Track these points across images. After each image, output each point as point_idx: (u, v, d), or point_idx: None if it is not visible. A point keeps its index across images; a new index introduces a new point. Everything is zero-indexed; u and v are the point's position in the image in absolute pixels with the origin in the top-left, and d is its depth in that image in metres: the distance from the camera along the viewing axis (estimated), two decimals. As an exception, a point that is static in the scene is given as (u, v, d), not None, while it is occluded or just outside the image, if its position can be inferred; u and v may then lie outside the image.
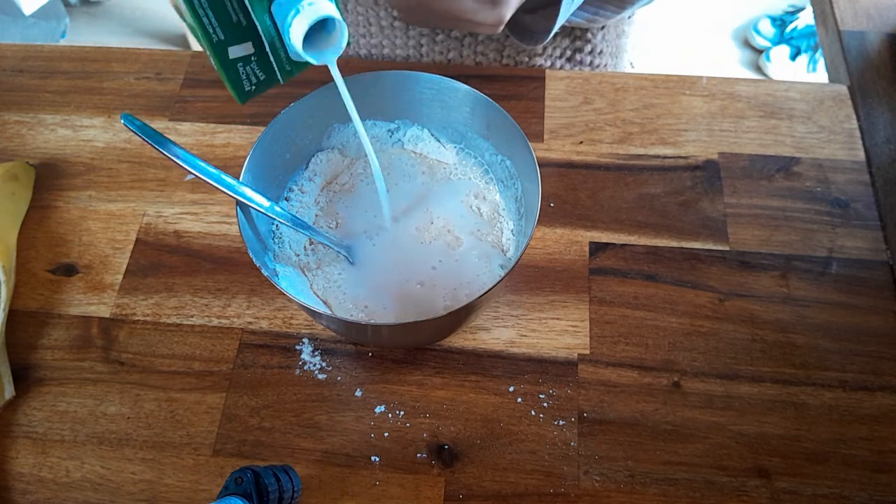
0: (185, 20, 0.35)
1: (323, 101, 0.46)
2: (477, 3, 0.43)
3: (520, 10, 0.53)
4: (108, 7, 1.90)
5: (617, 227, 0.52)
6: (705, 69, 1.52)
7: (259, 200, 0.41)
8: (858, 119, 0.57)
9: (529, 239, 0.40)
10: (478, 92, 0.45)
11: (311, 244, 0.47)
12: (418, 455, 0.44)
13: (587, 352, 0.47)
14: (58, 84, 0.61)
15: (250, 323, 0.48)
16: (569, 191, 0.54)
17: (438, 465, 0.43)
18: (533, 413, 0.45)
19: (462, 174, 0.50)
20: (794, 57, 1.66)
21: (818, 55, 1.65)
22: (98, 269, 0.51)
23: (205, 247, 0.52)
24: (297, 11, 0.34)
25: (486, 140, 0.48)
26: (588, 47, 0.66)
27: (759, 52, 1.74)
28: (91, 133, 0.58)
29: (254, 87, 0.38)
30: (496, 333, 0.48)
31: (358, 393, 0.46)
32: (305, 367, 0.47)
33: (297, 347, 0.47)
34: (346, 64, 0.63)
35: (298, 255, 0.46)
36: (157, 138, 0.37)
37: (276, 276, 0.44)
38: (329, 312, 0.43)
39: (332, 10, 0.35)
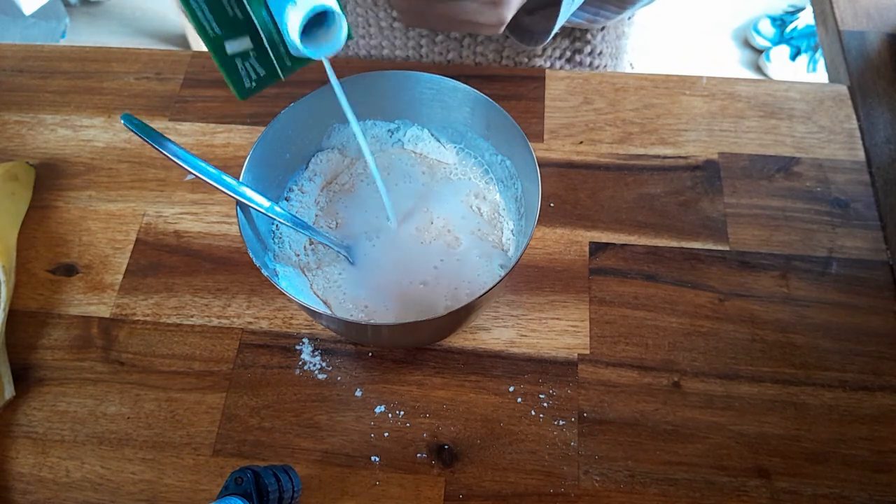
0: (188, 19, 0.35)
1: (323, 101, 0.46)
2: (478, 4, 0.43)
3: (520, 11, 0.53)
4: (108, 7, 1.90)
5: (617, 227, 0.52)
6: (705, 69, 1.52)
7: (259, 200, 0.41)
8: (858, 119, 0.57)
9: (529, 239, 0.40)
10: (478, 92, 0.45)
11: (311, 244, 0.47)
12: (418, 455, 0.44)
13: (587, 352, 0.47)
14: (58, 84, 0.61)
15: (250, 323, 0.48)
16: (569, 191, 0.53)
17: (438, 465, 0.43)
18: (533, 413, 0.45)
19: (462, 174, 0.50)
20: (794, 57, 1.66)
21: (818, 55, 1.65)
22: (98, 269, 0.51)
23: (205, 247, 0.52)
24: (294, 3, 0.33)
25: (486, 140, 0.48)
26: (588, 48, 0.66)
27: (759, 52, 1.74)
28: (91, 133, 0.58)
29: (254, 84, 0.38)
30: (496, 333, 0.48)
31: (358, 393, 0.46)
32: (305, 367, 0.47)
33: (297, 347, 0.47)
34: (346, 64, 0.63)
35: (298, 255, 0.46)
36: (157, 138, 0.37)
37: (276, 276, 0.44)
38: (329, 312, 0.43)
39: (331, 2, 0.34)
